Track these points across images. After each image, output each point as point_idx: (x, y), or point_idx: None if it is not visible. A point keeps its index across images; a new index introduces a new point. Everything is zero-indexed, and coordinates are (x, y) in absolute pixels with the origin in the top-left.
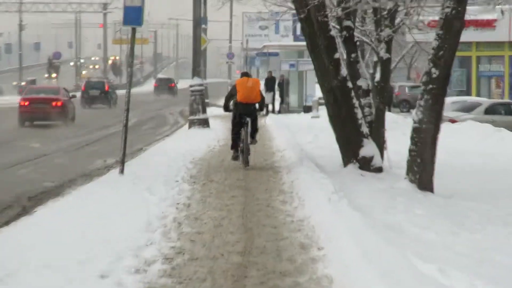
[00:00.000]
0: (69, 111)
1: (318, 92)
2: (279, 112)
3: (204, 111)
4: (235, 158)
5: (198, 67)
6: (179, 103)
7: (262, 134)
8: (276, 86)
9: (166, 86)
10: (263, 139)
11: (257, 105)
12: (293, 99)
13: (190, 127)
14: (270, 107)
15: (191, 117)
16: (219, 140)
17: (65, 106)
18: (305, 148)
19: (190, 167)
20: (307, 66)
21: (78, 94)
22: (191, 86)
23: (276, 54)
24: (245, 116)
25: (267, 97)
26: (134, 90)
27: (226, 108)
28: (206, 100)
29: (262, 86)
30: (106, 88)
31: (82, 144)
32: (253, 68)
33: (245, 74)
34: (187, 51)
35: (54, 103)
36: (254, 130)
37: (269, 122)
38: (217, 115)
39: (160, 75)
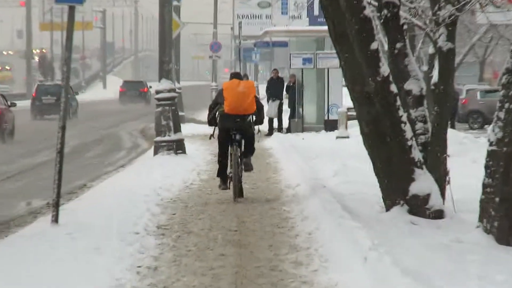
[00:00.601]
0: (7, 123)
1: (347, 101)
2: (289, 130)
3: (177, 129)
4: (223, 187)
5: (167, 64)
6: (151, 115)
7: (264, 162)
8: (284, 92)
9: (136, 91)
10: (266, 170)
11: (251, 118)
12: (309, 110)
13: (156, 152)
14: (275, 123)
15: (158, 139)
16: (199, 173)
17: (1, 118)
18: (328, 184)
19: (157, 213)
20: (330, 61)
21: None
22: (157, 92)
23: (284, 45)
24: (234, 132)
25: (271, 108)
26: (91, 97)
27: (210, 121)
28: (181, 113)
29: (263, 92)
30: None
31: (6, 175)
32: (249, 66)
33: (236, 76)
34: (151, 41)
35: None
36: (249, 150)
37: (274, 145)
38: (196, 134)
39: (126, 79)
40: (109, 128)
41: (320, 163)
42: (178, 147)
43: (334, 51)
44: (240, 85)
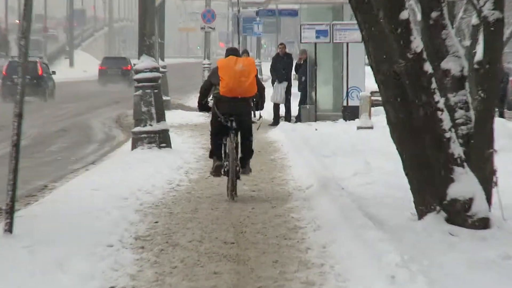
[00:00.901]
0: None
1: (370, 83)
2: (298, 119)
3: (160, 118)
4: (216, 171)
5: (148, 38)
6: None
7: (268, 158)
8: (293, 72)
9: (118, 70)
10: (271, 168)
11: (251, 103)
12: (324, 95)
13: (135, 146)
14: (281, 110)
15: (137, 129)
16: (188, 171)
17: None
18: (347, 186)
19: (135, 221)
20: (350, 34)
21: None
22: (136, 72)
23: (293, 14)
24: (231, 119)
25: (277, 91)
26: (66, 76)
27: (202, 106)
28: (165, 98)
29: (267, 72)
30: (40, 71)
31: None
32: (250, 39)
33: (233, 52)
34: (129, 9)
35: None
36: (246, 149)
37: (281, 137)
38: (185, 123)
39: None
40: (78, 115)
41: (337, 160)
42: (161, 139)
43: (354, 21)
44: (238, 63)
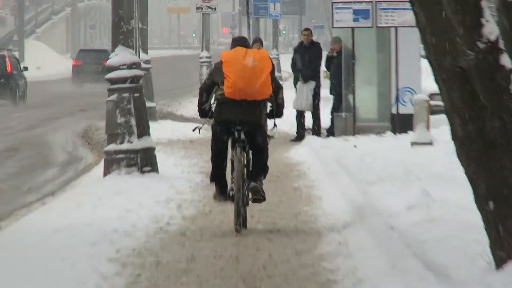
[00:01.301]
0: None
1: (428, 82)
2: (331, 132)
3: (143, 132)
4: (220, 194)
5: (126, 23)
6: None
7: (291, 187)
8: (323, 68)
9: (98, 65)
10: (294, 200)
11: (265, 107)
12: (365, 99)
13: (108, 170)
14: (307, 119)
15: (111, 147)
16: (181, 205)
17: None
18: (398, 224)
19: (109, 274)
20: (400, 16)
21: None
22: (108, 69)
23: None
24: (238, 128)
25: (301, 94)
26: (39, 73)
27: (203, 111)
28: (149, 104)
29: (287, 68)
30: (8, 68)
31: None
32: (264, 23)
33: (241, 42)
34: None
35: None
36: (258, 167)
37: (307, 157)
38: (176, 139)
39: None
40: (32, 127)
41: (384, 189)
42: (145, 161)
43: (405, 1)
44: (248, 56)
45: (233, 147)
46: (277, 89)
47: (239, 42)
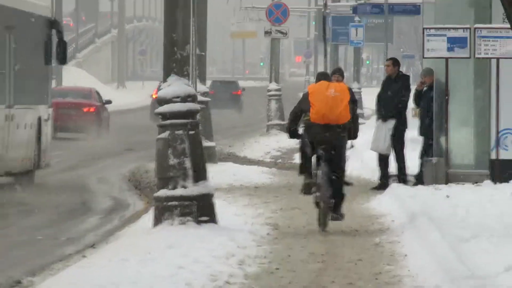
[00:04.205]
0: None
1: None
2: (419, 179)
3: (200, 176)
4: (306, 189)
5: (181, 49)
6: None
7: (371, 242)
8: (411, 104)
9: (227, 94)
10: (375, 257)
11: (345, 129)
12: (460, 141)
13: (159, 220)
14: (391, 165)
15: (162, 193)
16: (243, 261)
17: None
18: None
19: None
20: (503, 45)
21: None
22: (159, 101)
23: (413, 10)
24: (322, 147)
25: (379, 134)
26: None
27: (292, 132)
28: (207, 144)
29: (370, 105)
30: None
31: None
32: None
33: (323, 76)
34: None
35: None
36: (336, 190)
37: (391, 209)
38: (238, 184)
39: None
40: (71, 168)
41: (480, 246)
42: (201, 210)
43: (508, 25)
44: (330, 88)
45: (318, 163)
46: (355, 117)
47: (322, 76)
